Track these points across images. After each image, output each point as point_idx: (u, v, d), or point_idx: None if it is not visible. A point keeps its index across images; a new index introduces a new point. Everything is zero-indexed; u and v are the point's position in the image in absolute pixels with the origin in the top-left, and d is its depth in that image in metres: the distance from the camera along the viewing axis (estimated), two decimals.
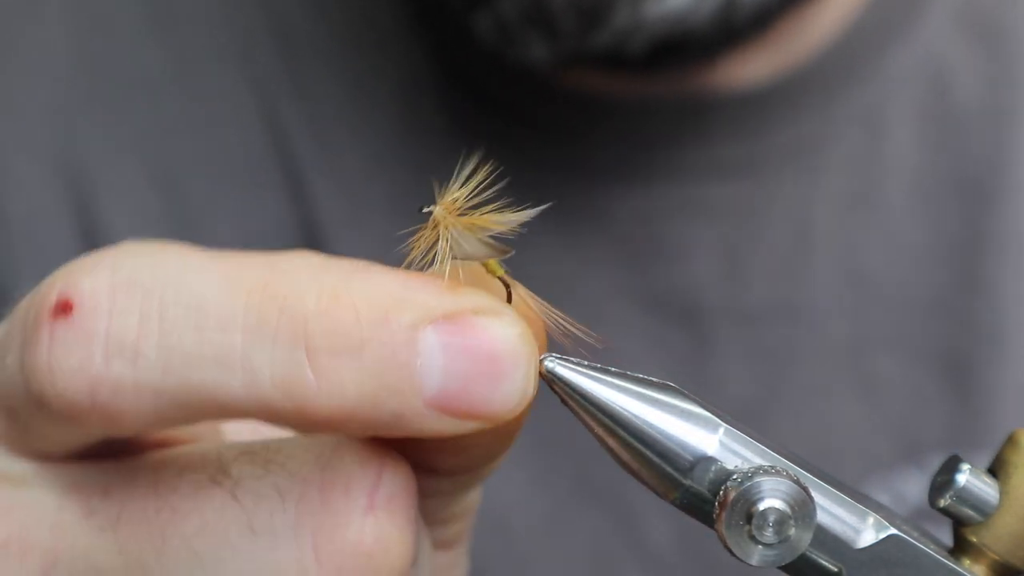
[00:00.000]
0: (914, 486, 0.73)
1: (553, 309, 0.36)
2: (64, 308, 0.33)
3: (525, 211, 0.36)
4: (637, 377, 0.35)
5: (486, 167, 0.36)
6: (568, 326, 0.36)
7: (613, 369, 0.35)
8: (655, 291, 0.74)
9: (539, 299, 0.36)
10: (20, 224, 0.73)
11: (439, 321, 0.33)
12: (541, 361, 0.35)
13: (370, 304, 0.33)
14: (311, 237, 0.73)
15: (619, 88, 0.73)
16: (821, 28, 0.74)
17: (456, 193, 0.36)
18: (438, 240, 0.36)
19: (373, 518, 0.34)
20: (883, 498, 0.71)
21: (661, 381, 0.35)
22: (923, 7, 0.75)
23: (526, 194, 0.74)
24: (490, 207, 0.36)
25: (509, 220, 0.36)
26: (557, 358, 0.35)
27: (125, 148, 0.74)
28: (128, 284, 0.33)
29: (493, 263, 0.36)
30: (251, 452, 0.35)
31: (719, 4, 0.66)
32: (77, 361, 0.33)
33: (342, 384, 0.32)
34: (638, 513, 0.73)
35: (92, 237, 0.73)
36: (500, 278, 0.36)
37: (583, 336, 0.36)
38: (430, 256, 0.35)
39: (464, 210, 0.36)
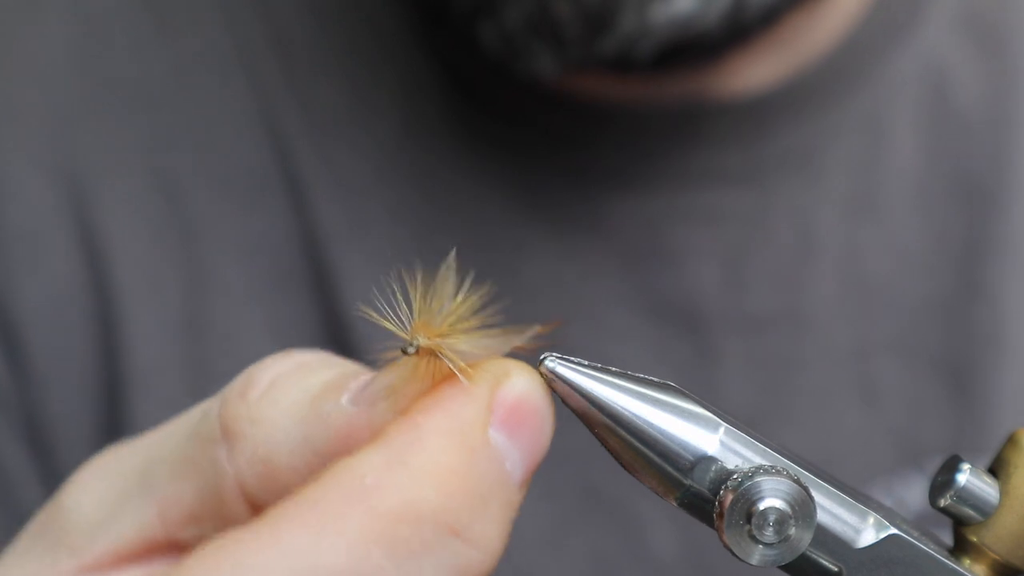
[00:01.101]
0: (916, 491, 0.73)
1: (496, 331, 0.35)
2: None
3: (522, 333, 0.35)
4: (637, 377, 0.35)
5: (445, 268, 0.35)
6: (522, 336, 0.35)
7: (613, 369, 0.35)
8: (657, 298, 0.74)
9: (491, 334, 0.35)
10: (19, 233, 0.73)
11: (492, 422, 0.33)
12: (541, 361, 0.35)
13: (460, 459, 0.33)
14: (312, 247, 0.73)
15: (621, 94, 0.73)
16: (822, 34, 0.74)
17: (421, 309, 0.35)
18: (427, 363, 0.34)
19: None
20: (886, 503, 0.71)
21: (661, 381, 0.35)
22: (923, 11, 0.75)
23: (528, 201, 0.74)
24: (463, 307, 0.35)
25: (505, 340, 0.35)
26: (557, 358, 0.35)
27: (125, 157, 0.74)
28: None
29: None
30: None
31: (727, 5, 0.66)
32: None
33: (496, 535, 0.33)
34: (642, 523, 0.73)
35: (91, 246, 0.73)
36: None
37: (544, 330, 0.35)
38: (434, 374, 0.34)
39: (443, 319, 0.35)
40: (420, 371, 0.34)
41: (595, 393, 0.35)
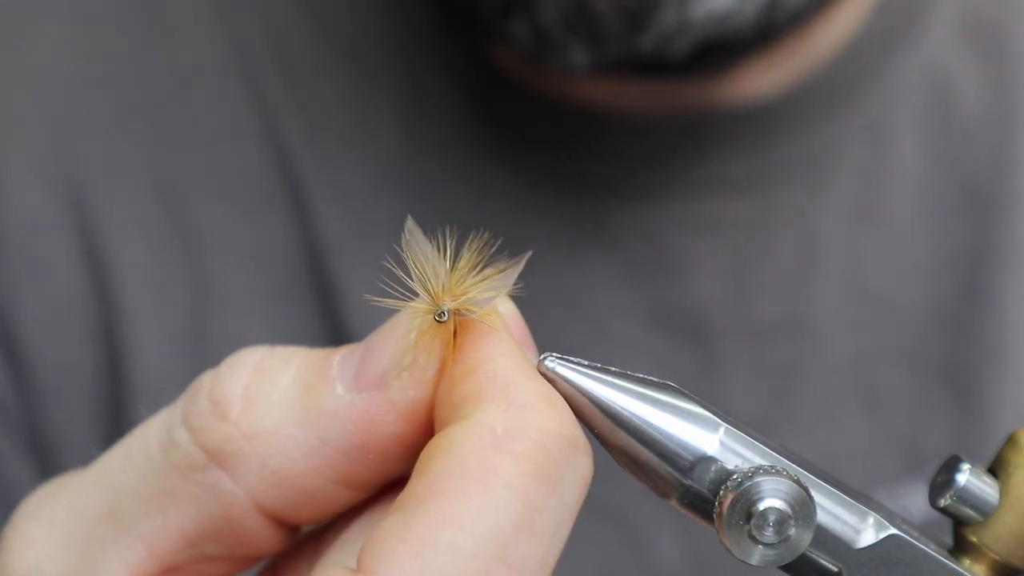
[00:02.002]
0: (919, 498, 0.72)
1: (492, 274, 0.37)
2: None
3: (511, 267, 0.37)
4: (637, 377, 0.35)
5: (449, 237, 0.37)
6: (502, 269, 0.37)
7: (613, 369, 0.35)
8: (661, 307, 0.74)
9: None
10: (20, 241, 0.73)
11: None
12: (541, 361, 0.35)
13: (538, 383, 0.35)
14: (314, 255, 0.73)
15: (625, 103, 0.73)
16: (825, 42, 0.74)
17: (434, 277, 0.36)
18: (453, 325, 0.36)
19: None
20: (900, 514, 0.71)
21: (661, 381, 0.35)
22: (925, 18, 0.75)
23: (530, 210, 0.74)
24: (470, 264, 0.37)
25: (505, 275, 0.36)
26: (558, 358, 0.35)
27: (126, 165, 0.74)
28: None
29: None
30: None
31: (763, 3, 0.65)
32: None
33: (585, 440, 0.35)
34: (646, 533, 0.73)
35: (93, 255, 0.73)
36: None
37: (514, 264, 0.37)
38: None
39: (458, 282, 0.36)
40: (432, 336, 0.35)
41: (595, 393, 0.35)
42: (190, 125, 0.75)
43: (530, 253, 0.37)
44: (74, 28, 0.76)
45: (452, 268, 0.36)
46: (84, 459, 0.72)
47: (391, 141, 0.74)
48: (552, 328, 0.72)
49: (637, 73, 0.70)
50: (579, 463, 0.34)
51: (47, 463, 0.73)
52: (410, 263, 0.36)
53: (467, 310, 0.36)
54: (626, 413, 0.35)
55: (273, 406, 0.36)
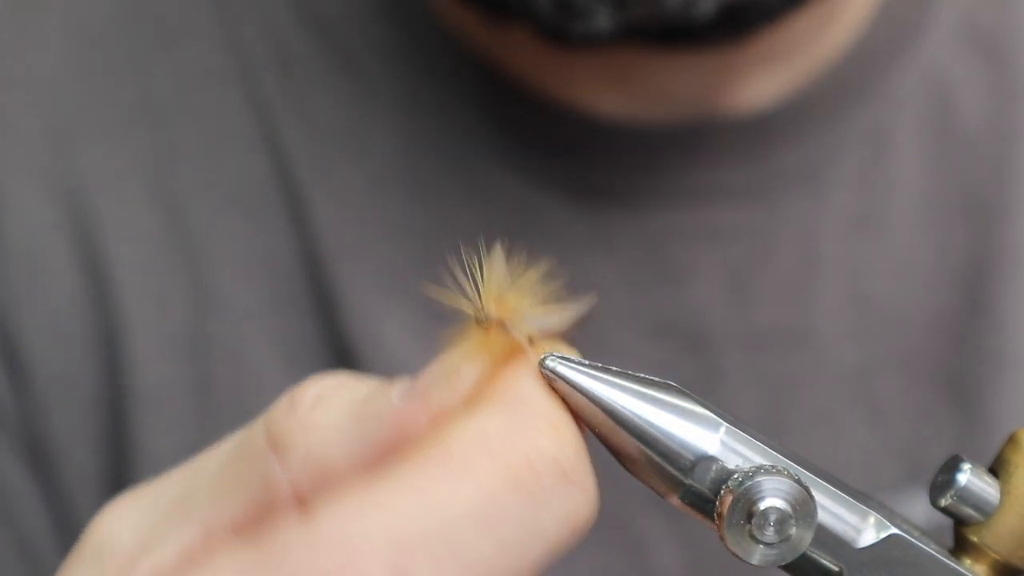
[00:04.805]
0: (921, 506, 0.72)
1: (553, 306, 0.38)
2: None
3: (574, 307, 0.38)
4: (638, 376, 0.36)
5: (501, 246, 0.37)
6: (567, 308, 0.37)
7: (614, 368, 0.35)
8: (660, 316, 0.74)
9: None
10: (19, 250, 0.73)
11: None
12: (541, 361, 0.35)
13: (558, 412, 0.35)
14: (313, 263, 0.73)
15: (625, 110, 0.73)
16: (825, 48, 0.74)
17: (491, 284, 0.37)
18: (495, 335, 0.36)
19: None
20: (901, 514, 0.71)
21: (662, 380, 0.35)
22: (926, 24, 0.75)
23: (529, 218, 0.75)
24: (525, 283, 0.37)
25: (567, 311, 0.37)
26: (558, 358, 0.35)
27: (125, 173, 0.74)
28: (405, 554, 0.32)
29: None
30: None
31: None
32: None
33: (591, 479, 0.35)
34: (646, 541, 0.73)
35: (92, 263, 0.73)
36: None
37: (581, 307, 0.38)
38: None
39: (503, 293, 0.37)
40: (479, 349, 0.36)
41: (595, 392, 0.35)
42: (190, 133, 0.75)
43: (596, 300, 0.38)
44: (73, 36, 0.76)
45: (511, 283, 0.37)
46: (83, 466, 0.72)
47: (391, 148, 0.74)
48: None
49: (660, 42, 0.70)
50: (569, 497, 0.34)
51: (46, 471, 0.73)
52: (474, 270, 0.37)
53: (513, 326, 0.36)
54: (627, 412, 0.35)
55: (338, 405, 0.37)
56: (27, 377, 0.72)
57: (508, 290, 0.36)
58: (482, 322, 0.36)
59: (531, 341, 0.36)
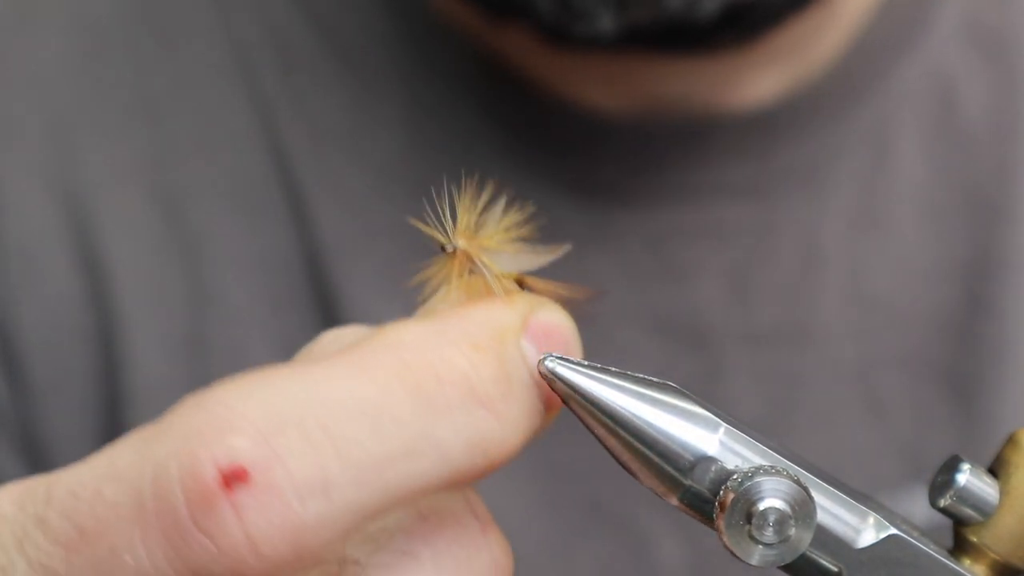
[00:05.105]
0: (922, 505, 0.72)
1: (557, 283, 0.39)
2: (236, 476, 0.32)
3: (555, 250, 0.38)
4: (637, 377, 0.36)
5: (485, 186, 0.38)
6: (572, 294, 0.38)
7: (613, 369, 0.35)
8: (662, 314, 0.74)
9: (543, 279, 0.39)
10: (18, 248, 0.73)
11: (524, 333, 0.35)
12: (541, 361, 0.35)
13: (494, 341, 0.34)
14: (314, 262, 0.73)
15: (626, 107, 0.73)
16: (826, 45, 0.74)
17: (465, 219, 0.37)
18: (468, 267, 0.36)
19: (491, 533, 0.36)
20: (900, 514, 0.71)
21: (661, 381, 0.35)
22: (929, 22, 0.75)
23: (530, 215, 0.74)
24: (502, 223, 0.38)
25: (542, 252, 0.37)
26: (558, 358, 0.35)
27: (125, 171, 0.74)
28: (278, 425, 0.32)
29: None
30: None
31: None
32: (278, 518, 0.32)
33: (518, 419, 0.34)
34: (648, 537, 0.73)
35: (91, 261, 0.73)
36: (515, 279, 0.37)
37: (582, 295, 0.38)
38: (458, 284, 0.36)
39: (480, 231, 0.37)
40: (444, 274, 0.37)
41: (595, 393, 0.35)
42: (190, 130, 0.75)
43: (569, 247, 0.38)
44: (73, 33, 0.76)
45: (488, 221, 0.37)
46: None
47: (392, 146, 0.74)
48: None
49: (662, 46, 0.70)
50: (477, 418, 0.33)
51: (43, 468, 0.73)
52: (452, 203, 0.37)
53: (482, 260, 0.36)
54: (626, 413, 0.35)
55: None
56: (24, 375, 0.72)
57: (482, 227, 0.37)
58: (449, 254, 0.36)
59: (500, 279, 0.37)
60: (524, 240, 0.37)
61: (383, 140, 0.74)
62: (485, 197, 0.37)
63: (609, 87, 0.73)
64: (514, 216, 0.38)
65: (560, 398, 0.35)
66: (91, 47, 0.76)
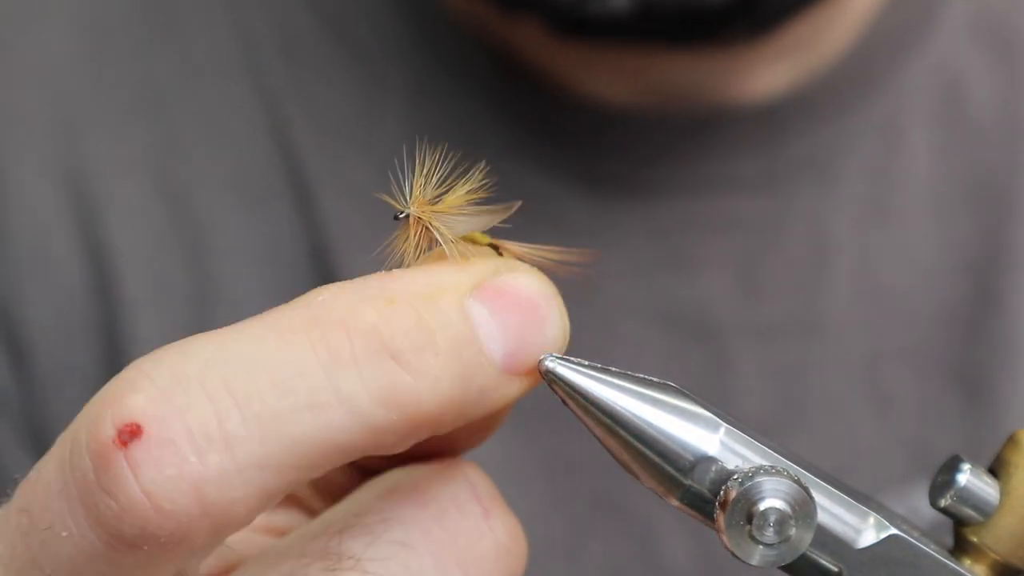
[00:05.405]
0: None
1: (540, 248, 0.38)
2: (131, 432, 0.32)
3: (506, 209, 0.38)
4: (637, 377, 0.35)
5: (438, 151, 0.37)
6: (560, 257, 0.38)
7: (613, 369, 0.35)
8: (670, 306, 0.74)
9: (526, 244, 0.38)
10: (25, 239, 0.73)
11: (475, 292, 0.34)
12: (541, 361, 0.35)
13: (420, 297, 0.34)
14: (319, 251, 0.73)
15: (635, 99, 0.73)
16: (835, 38, 0.74)
17: (419, 187, 0.37)
18: (425, 235, 0.36)
19: (495, 518, 0.35)
20: (898, 511, 0.71)
21: (661, 381, 0.35)
22: (936, 16, 0.75)
23: (538, 207, 0.74)
24: (457, 187, 0.38)
25: (493, 211, 0.38)
26: (557, 358, 0.35)
27: (131, 161, 0.74)
28: (179, 381, 0.32)
29: (478, 234, 0.37)
30: (342, 528, 0.35)
31: None
32: (173, 471, 0.31)
33: (436, 374, 0.33)
34: (655, 533, 0.73)
35: (97, 251, 0.73)
36: (488, 244, 0.37)
37: (577, 260, 0.37)
38: (421, 250, 0.36)
39: (435, 197, 0.37)
40: (401, 240, 0.37)
41: (595, 393, 0.35)
42: (196, 122, 0.75)
43: (520, 203, 0.37)
44: (80, 24, 0.76)
45: (431, 182, 0.37)
46: None
47: (399, 138, 0.74)
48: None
49: (675, 37, 0.69)
50: (388, 373, 0.33)
51: None
52: (418, 170, 0.37)
53: (431, 225, 0.36)
54: (626, 413, 0.35)
55: None
56: (29, 363, 0.73)
57: (440, 193, 0.37)
58: (404, 221, 0.37)
59: (456, 242, 0.36)
60: (479, 202, 0.37)
61: (390, 132, 0.74)
62: (443, 164, 0.37)
63: (619, 79, 0.73)
64: (474, 181, 0.38)
65: (560, 399, 0.35)
66: (98, 39, 0.76)
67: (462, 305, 0.34)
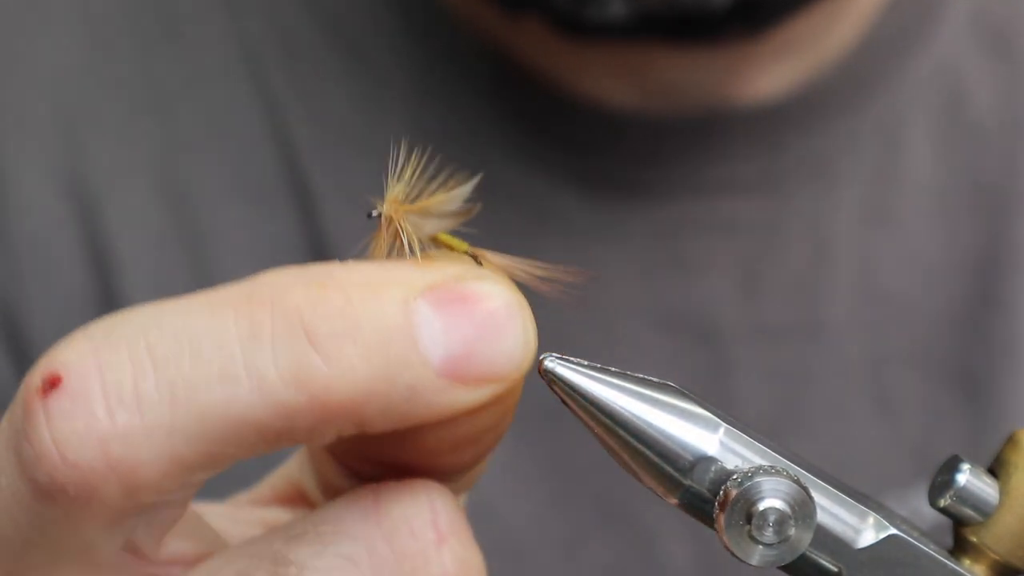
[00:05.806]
0: None
1: (525, 262, 0.37)
2: (52, 383, 0.32)
3: (466, 185, 0.37)
4: (637, 377, 0.35)
5: (417, 153, 0.37)
6: (546, 274, 0.37)
7: (613, 369, 0.35)
8: (672, 309, 0.74)
9: (509, 256, 0.37)
10: (27, 241, 0.73)
11: (427, 292, 0.33)
12: (541, 361, 0.35)
13: (358, 286, 0.33)
14: (320, 253, 0.73)
15: (636, 102, 0.73)
16: (836, 40, 0.74)
17: (396, 187, 0.37)
18: (398, 235, 0.36)
19: (447, 547, 0.35)
20: (899, 514, 0.71)
21: (661, 381, 0.35)
22: (938, 17, 0.75)
23: (540, 209, 0.75)
24: (433, 186, 0.37)
25: (455, 194, 0.37)
26: (557, 358, 0.35)
27: (133, 163, 0.74)
28: (109, 340, 0.33)
29: (456, 241, 0.37)
30: (297, 534, 0.35)
31: None
32: (81, 424, 0.32)
33: (351, 362, 0.32)
34: (656, 534, 0.73)
35: (99, 253, 0.73)
36: (467, 252, 0.37)
37: (562, 278, 0.37)
38: (395, 251, 0.37)
39: (411, 198, 0.37)
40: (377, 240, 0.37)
41: (594, 393, 0.35)
42: (197, 124, 0.75)
43: (480, 176, 0.37)
44: (82, 27, 0.76)
45: (404, 182, 0.37)
46: None
47: (398, 139, 0.74)
48: (562, 328, 0.72)
49: (674, 37, 0.69)
50: (298, 351, 0.32)
51: None
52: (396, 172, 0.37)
53: (399, 224, 0.36)
54: (625, 413, 0.35)
55: None
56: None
57: (418, 194, 0.37)
58: (371, 213, 0.37)
59: (424, 242, 0.37)
60: (457, 205, 0.37)
61: (390, 134, 0.74)
62: (428, 165, 0.37)
63: (620, 80, 0.73)
64: (454, 183, 0.37)
65: (560, 399, 0.35)
66: (100, 42, 0.76)
67: (405, 301, 0.33)
